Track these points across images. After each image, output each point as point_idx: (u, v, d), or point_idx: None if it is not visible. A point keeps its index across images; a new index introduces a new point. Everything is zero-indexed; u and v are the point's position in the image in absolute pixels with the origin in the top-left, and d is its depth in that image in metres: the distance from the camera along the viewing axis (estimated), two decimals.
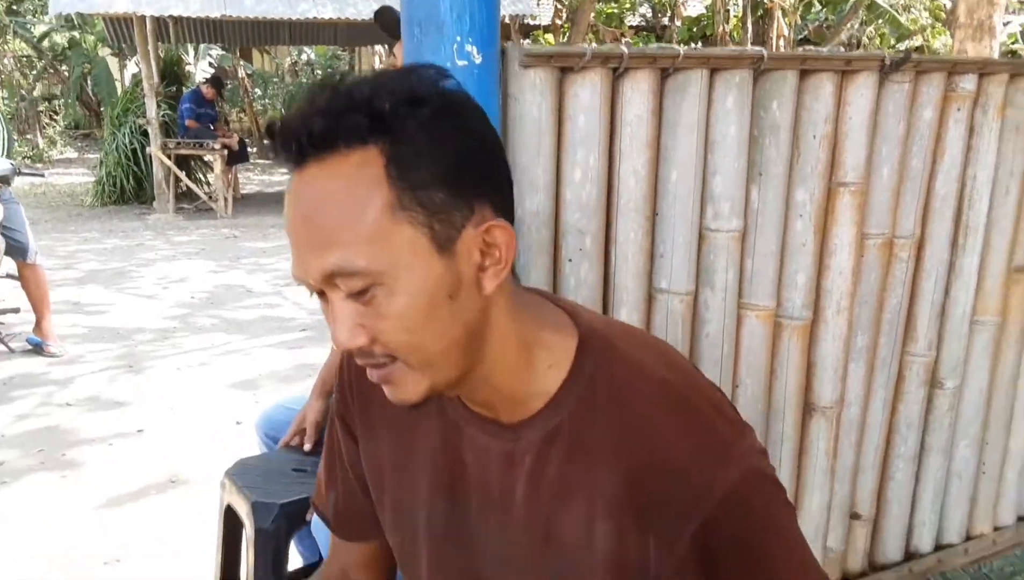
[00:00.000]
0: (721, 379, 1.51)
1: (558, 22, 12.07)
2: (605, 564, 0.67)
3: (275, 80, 16.56)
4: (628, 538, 0.67)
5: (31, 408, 3.41)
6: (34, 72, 15.92)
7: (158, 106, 8.23)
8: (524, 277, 1.26)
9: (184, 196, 8.91)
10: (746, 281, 1.52)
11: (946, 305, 1.80)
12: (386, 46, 10.94)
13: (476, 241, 0.62)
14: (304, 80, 16.16)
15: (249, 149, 10.75)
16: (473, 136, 0.63)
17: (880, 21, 10.84)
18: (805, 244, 1.55)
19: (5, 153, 3.92)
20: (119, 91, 12.32)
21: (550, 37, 12.22)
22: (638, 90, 1.33)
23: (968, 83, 1.66)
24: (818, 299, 1.61)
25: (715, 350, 1.49)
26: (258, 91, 16.27)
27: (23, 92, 15.09)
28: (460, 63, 1.08)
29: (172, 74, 9.48)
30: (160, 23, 8.98)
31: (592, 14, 11.00)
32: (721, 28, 11.21)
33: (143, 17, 8.15)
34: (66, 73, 15.45)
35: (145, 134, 8.53)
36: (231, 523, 1.68)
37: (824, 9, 12.06)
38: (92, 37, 14.35)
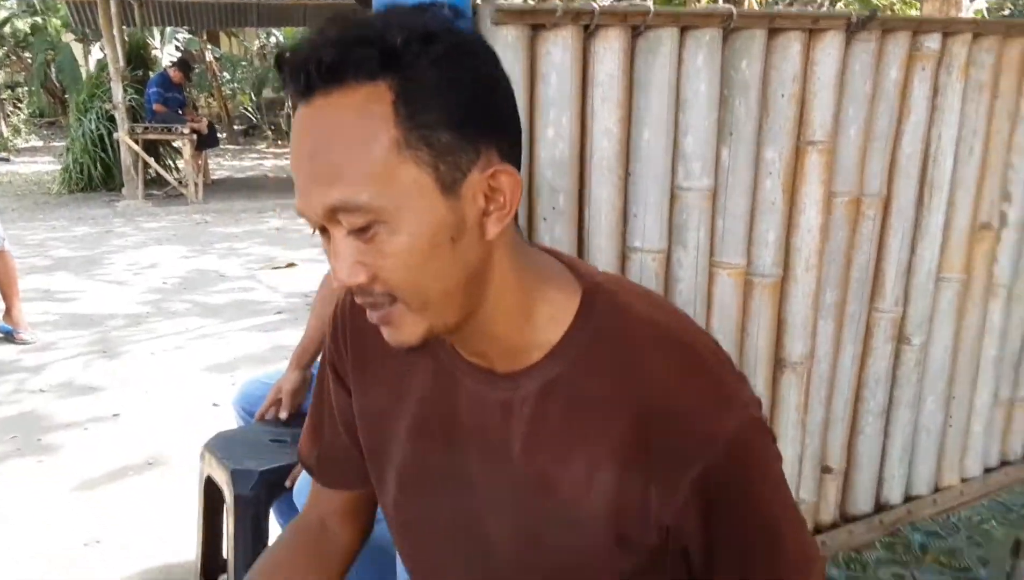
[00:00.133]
0: None
1: None
2: (606, 512, 0.68)
3: (243, 64, 16.31)
4: (629, 486, 0.67)
5: (3, 395, 3.35)
6: None
7: (124, 90, 8.06)
8: None
9: (153, 182, 8.76)
10: (717, 239, 1.55)
11: (912, 262, 1.84)
12: None
13: (481, 185, 0.62)
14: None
15: (219, 134, 10.60)
16: (484, 79, 0.62)
17: None
18: (775, 202, 1.57)
19: None
20: (84, 77, 12.06)
21: None
22: (609, 49, 1.34)
23: (932, 42, 1.69)
24: (788, 257, 1.64)
25: (688, 308, 1.51)
26: (226, 75, 16.02)
27: None
28: None
29: (138, 58, 9.25)
30: (125, 6, 8.81)
31: None
32: None
33: (107, 0, 7.97)
34: (29, 60, 15.09)
35: (112, 120, 8.35)
36: (211, 495, 1.68)
37: None
38: (56, 22, 14.02)
